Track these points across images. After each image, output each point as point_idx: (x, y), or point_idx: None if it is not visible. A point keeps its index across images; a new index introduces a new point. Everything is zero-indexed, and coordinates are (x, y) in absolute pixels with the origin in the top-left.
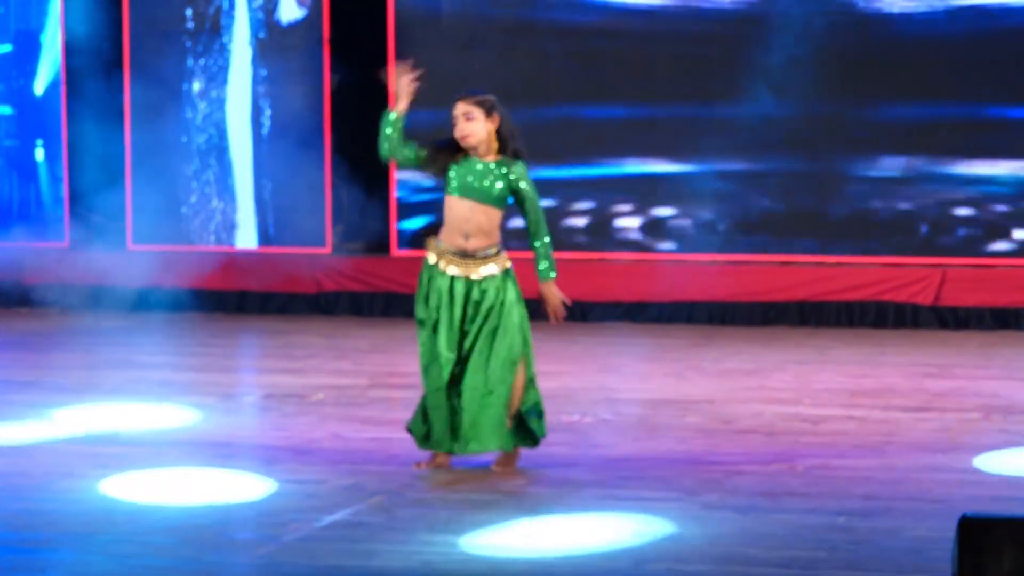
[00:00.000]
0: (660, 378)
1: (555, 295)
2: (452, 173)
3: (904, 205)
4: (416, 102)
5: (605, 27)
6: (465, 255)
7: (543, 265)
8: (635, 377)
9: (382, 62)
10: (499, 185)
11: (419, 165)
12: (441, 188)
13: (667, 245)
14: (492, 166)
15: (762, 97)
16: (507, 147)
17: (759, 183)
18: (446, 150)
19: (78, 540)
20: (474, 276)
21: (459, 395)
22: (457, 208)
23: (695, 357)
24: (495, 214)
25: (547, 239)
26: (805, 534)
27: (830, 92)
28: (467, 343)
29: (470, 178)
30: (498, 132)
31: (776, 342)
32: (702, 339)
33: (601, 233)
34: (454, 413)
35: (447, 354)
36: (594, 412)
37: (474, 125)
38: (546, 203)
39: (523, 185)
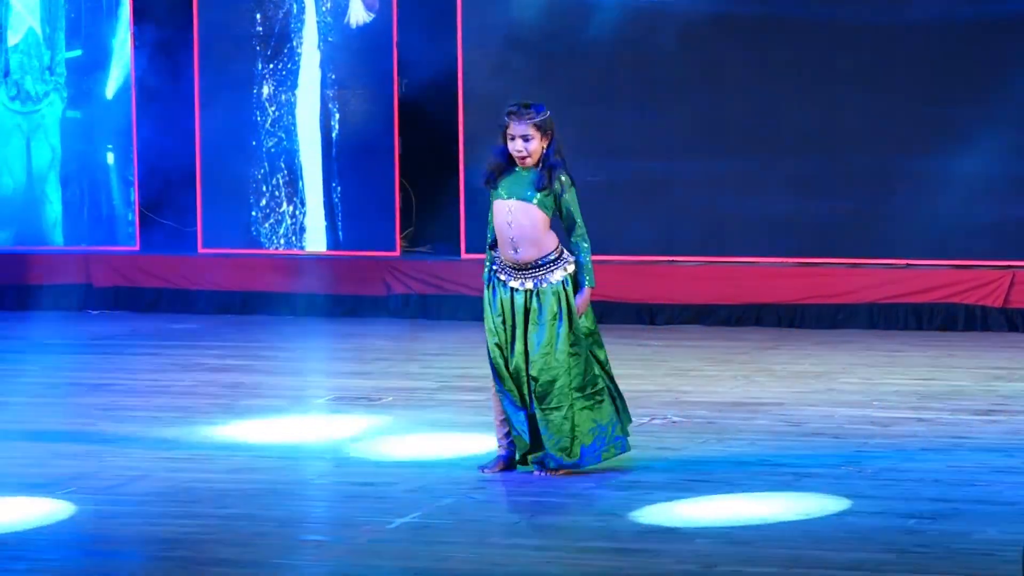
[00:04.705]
0: (729, 381)
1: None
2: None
3: (974, 206)
4: (484, 110)
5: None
6: (518, 267)
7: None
8: (704, 380)
9: (451, 64)
10: (538, 195)
11: None
12: None
13: (735, 247)
14: (533, 176)
15: (829, 96)
16: (549, 160)
17: (828, 183)
18: (495, 171)
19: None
20: (528, 287)
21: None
22: (499, 210)
23: (764, 360)
24: (537, 214)
25: (582, 249)
26: (874, 537)
27: (902, 90)
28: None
29: (515, 184)
30: (546, 147)
31: (845, 345)
32: (771, 342)
33: (667, 235)
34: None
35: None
36: (663, 415)
37: (532, 146)
38: (611, 205)
39: (566, 197)
